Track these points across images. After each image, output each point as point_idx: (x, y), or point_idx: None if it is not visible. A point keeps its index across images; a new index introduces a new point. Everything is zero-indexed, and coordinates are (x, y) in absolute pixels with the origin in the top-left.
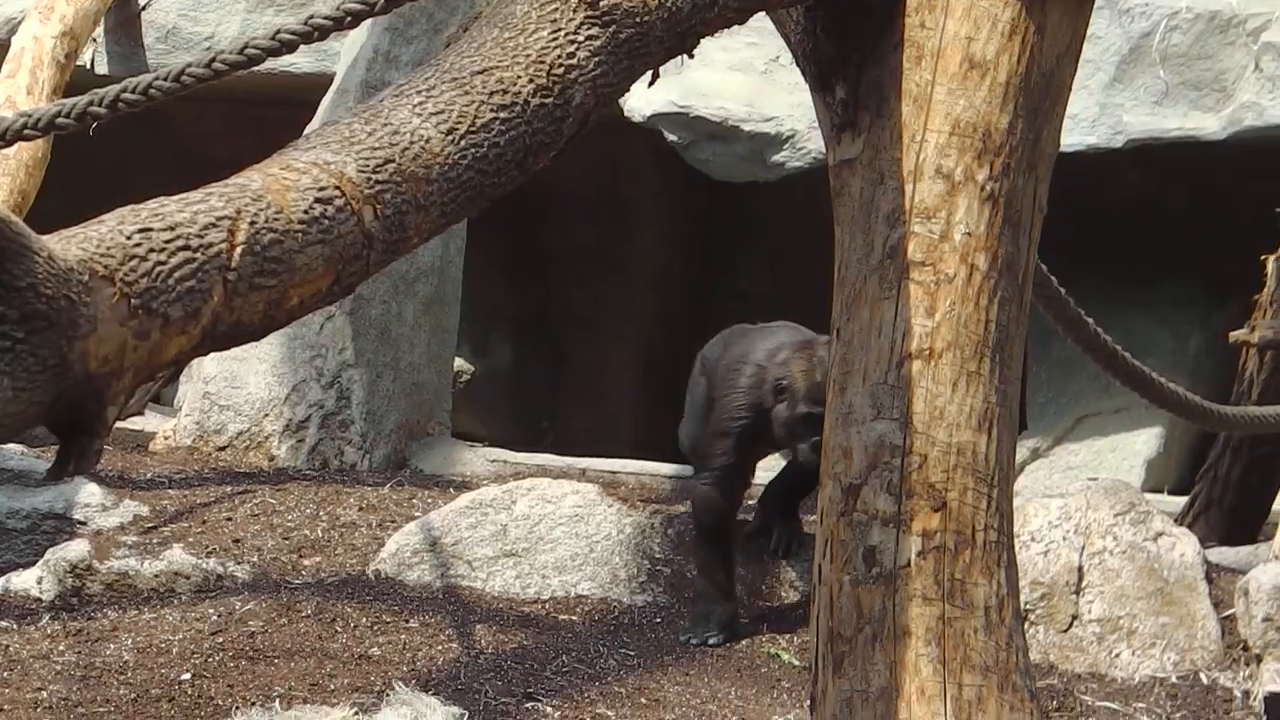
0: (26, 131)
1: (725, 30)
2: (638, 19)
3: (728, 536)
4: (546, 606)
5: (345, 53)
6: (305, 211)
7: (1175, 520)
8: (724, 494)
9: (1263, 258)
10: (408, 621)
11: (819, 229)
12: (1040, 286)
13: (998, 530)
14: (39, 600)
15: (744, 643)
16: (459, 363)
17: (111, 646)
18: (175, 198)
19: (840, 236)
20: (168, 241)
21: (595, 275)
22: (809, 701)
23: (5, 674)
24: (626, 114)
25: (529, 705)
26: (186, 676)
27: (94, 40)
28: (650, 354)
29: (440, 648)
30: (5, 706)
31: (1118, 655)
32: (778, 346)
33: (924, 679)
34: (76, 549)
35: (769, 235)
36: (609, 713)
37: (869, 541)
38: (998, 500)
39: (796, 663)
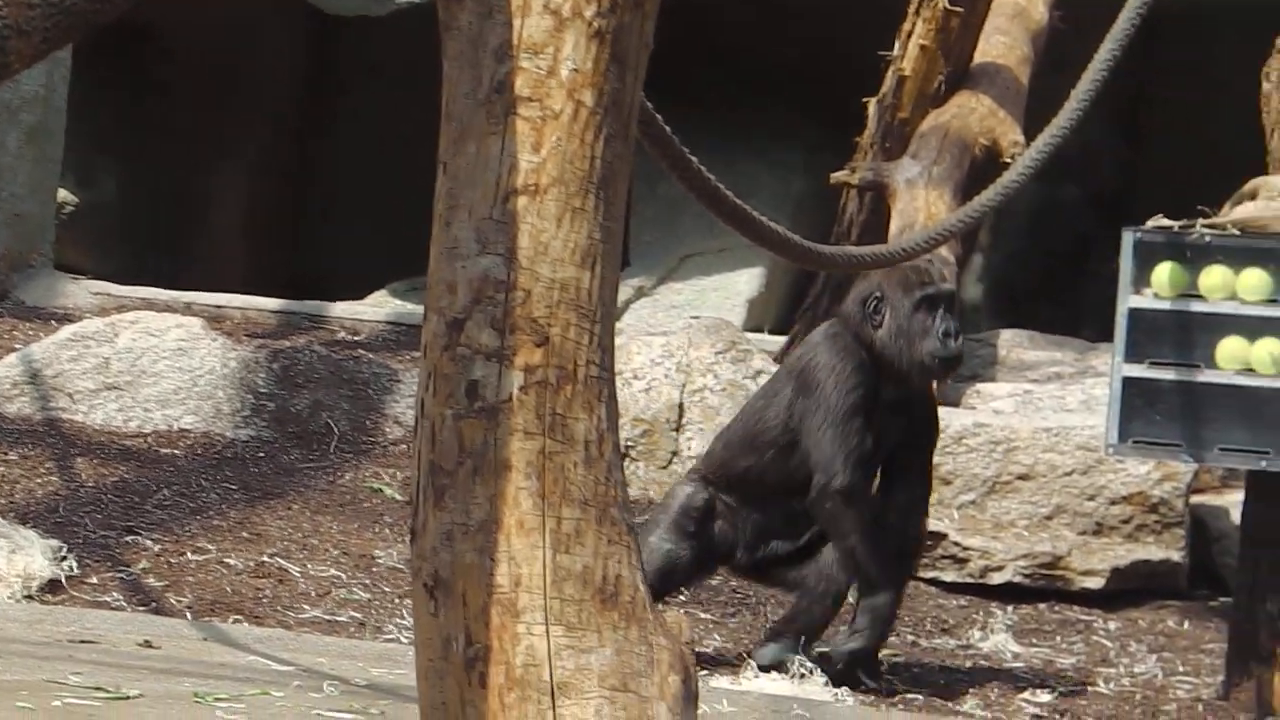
0: None
1: None
2: None
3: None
4: (148, 440)
5: None
6: None
7: (775, 359)
8: (864, 483)
9: (864, 100)
10: (6, 454)
11: (430, 64)
12: (646, 125)
13: (599, 366)
14: None
15: (347, 477)
16: (63, 193)
17: None
18: None
19: (448, 71)
20: None
21: (205, 107)
22: (410, 535)
23: None
24: None
25: (129, 539)
26: None
27: None
28: (260, 187)
29: (40, 481)
30: None
31: None
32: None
33: (524, 512)
34: None
35: (383, 69)
36: (210, 546)
37: (472, 376)
38: (600, 336)
39: (399, 497)
